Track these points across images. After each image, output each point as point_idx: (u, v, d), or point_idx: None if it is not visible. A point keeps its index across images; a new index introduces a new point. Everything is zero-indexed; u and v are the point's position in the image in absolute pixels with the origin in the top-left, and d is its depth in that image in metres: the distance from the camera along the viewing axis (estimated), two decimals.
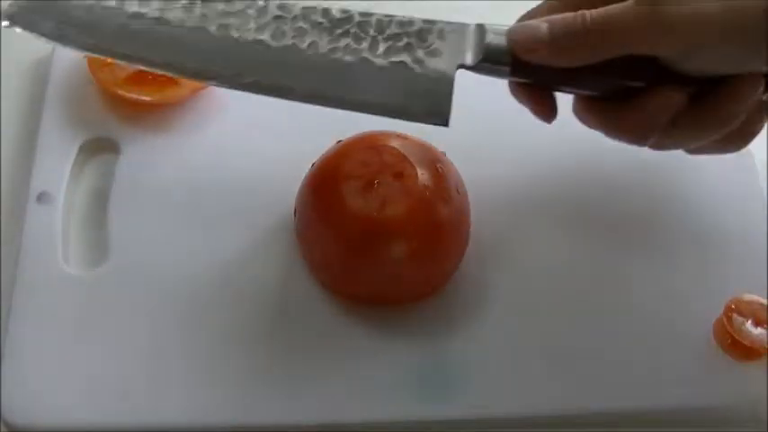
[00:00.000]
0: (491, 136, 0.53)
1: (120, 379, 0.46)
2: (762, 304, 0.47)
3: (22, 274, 0.49)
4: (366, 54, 0.45)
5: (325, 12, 0.46)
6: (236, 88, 0.45)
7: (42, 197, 0.51)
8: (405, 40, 0.45)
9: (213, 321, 0.48)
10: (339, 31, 0.45)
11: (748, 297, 0.47)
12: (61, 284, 0.48)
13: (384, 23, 0.45)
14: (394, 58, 0.45)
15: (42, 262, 0.49)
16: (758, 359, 0.46)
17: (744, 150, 0.47)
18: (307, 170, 0.49)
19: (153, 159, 0.53)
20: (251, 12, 0.46)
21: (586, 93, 0.45)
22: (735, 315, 0.46)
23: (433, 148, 0.49)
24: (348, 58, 0.45)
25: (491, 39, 0.44)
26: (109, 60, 0.55)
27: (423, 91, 0.44)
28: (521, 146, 0.53)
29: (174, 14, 0.46)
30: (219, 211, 0.51)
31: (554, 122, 0.47)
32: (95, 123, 0.54)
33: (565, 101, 0.46)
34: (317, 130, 0.49)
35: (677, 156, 0.47)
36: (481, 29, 0.45)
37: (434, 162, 0.47)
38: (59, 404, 0.45)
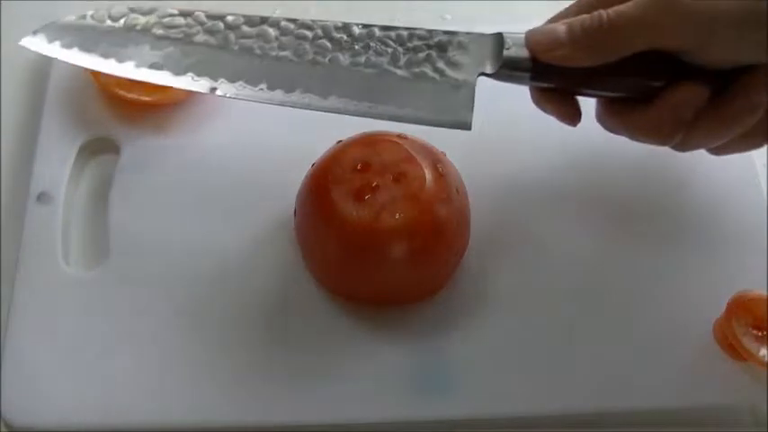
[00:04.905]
0: (491, 136, 0.53)
1: (120, 379, 0.46)
2: (762, 303, 0.47)
3: (22, 274, 0.49)
4: (387, 66, 0.46)
5: (346, 27, 0.47)
6: (260, 101, 0.46)
7: (42, 197, 0.51)
8: (425, 51, 0.46)
9: (213, 321, 0.48)
10: (359, 45, 0.46)
11: (749, 296, 0.47)
12: (61, 284, 0.48)
13: (404, 37, 0.47)
14: (415, 69, 0.46)
15: (42, 262, 0.49)
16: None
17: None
18: (307, 170, 0.49)
19: (153, 159, 0.53)
20: (272, 32, 0.47)
21: (607, 94, 0.46)
22: (735, 323, 0.46)
23: (433, 149, 0.49)
24: (369, 70, 0.46)
25: (510, 46, 0.45)
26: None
27: (445, 99, 0.45)
28: (521, 145, 0.53)
29: (199, 37, 0.48)
30: (219, 211, 0.51)
31: (555, 122, 0.47)
32: (95, 123, 0.54)
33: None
34: (317, 130, 0.49)
35: (677, 157, 0.47)
36: (500, 37, 0.46)
37: (434, 162, 0.47)
38: (59, 404, 0.45)
